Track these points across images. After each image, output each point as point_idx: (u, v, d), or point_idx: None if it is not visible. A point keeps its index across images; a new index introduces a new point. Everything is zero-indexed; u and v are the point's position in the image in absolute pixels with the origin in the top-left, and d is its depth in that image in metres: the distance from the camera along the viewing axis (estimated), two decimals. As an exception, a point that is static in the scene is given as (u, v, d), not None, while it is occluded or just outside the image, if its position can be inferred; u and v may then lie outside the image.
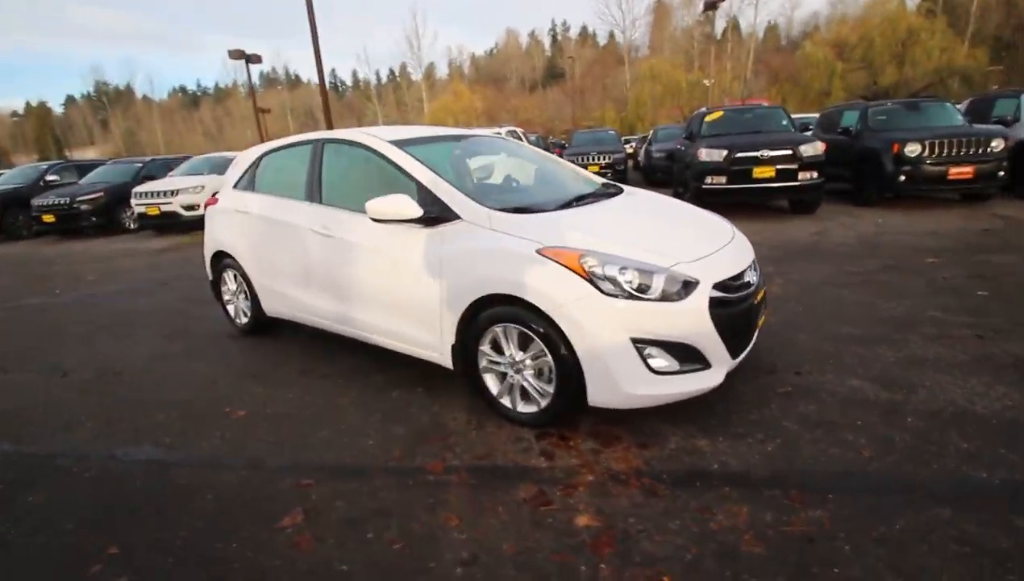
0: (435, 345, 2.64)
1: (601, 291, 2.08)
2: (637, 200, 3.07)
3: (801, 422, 2.31)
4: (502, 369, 2.43)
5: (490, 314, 2.36)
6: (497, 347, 2.42)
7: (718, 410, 2.42)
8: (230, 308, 4.03)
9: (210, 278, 4.12)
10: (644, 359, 2.09)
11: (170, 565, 1.76)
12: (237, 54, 20.41)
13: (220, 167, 10.88)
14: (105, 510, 2.07)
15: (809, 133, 8.98)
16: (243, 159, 3.84)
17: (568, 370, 2.18)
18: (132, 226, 11.00)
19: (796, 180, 7.36)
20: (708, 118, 9.06)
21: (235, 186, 3.80)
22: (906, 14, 29.68)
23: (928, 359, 2.83)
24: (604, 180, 3.45)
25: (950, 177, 7.09)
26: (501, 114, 45.57)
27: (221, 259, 3.89)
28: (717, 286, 2.20)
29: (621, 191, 3.14)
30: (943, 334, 3.13)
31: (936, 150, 7.07)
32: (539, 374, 2.32)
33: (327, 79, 15.57)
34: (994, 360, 2.76)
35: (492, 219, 2.40)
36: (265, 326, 3.84)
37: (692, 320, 2.12)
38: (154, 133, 62.84)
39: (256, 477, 2.22)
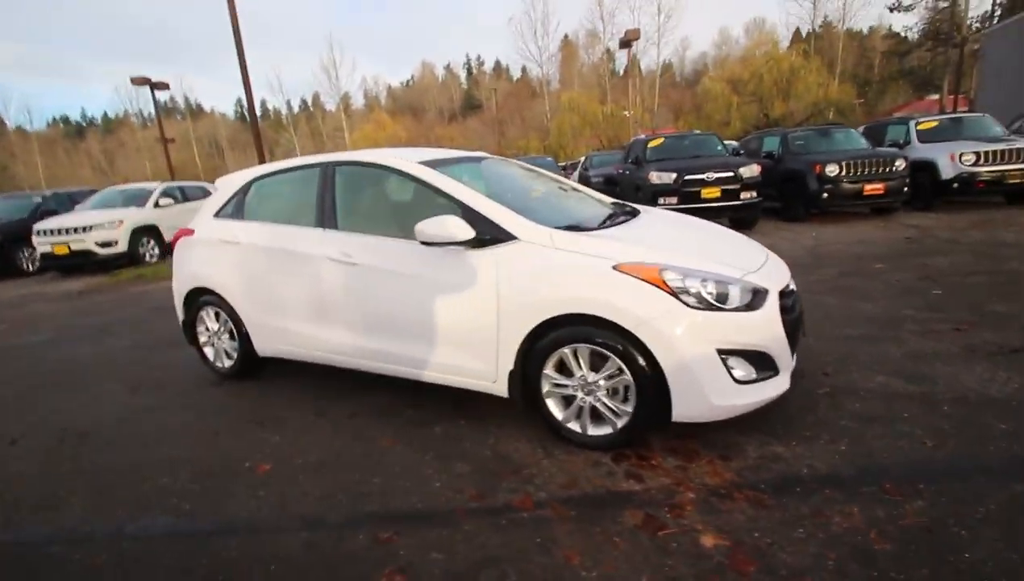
0: (487, 373, 2.50)
1: (685, 304, 2.08)
2: (663, 217, 3.14)
3: (856, 420, 2.42)
4: (569, 392, 2.34)
5: (556, 336, 2.27)
6: (562, 370, 2.33)
7: (775, 416, 2.48)
8: (208, 351, 3.58)
9: (181, 319, 3.65)
10: (728, 370, 2.10)
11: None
12: (141, 81, 18.96)
13: (137, 199, 9.95)
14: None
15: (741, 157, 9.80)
16: (226, 186, 3.49)
17: (649, 387, 2.14)
18: (31, 268, 9.62)
19: (739, 199, 8.00)
20: (651, 144, 9.63)
21: (217, 215, 3.44)
22: (788, 55, 33.80)
23: (927, 353, 3.10)
24: (612, 199, 3.52)
25: (865, 193, 8.07)
26: (426, 144, 45.63)
27: (198, 297, 3.47)
28: (780, 294, 2.28)
29: (638, 210, 3.21)
30: (927, 330, 3.46)
31: (851, 170, 8.04)
32: (613, 394, 2.26)
33: (234, 109, 14.80)
34: (981, 349, 3.08)
35: (554, 238, 2.33)
36: (252, 368, 3.46)
37: (767, 328, 2.18)
38: (33, 166, 56.00)
39: (323, 538, 1.94)
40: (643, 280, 2.12)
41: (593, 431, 2.33)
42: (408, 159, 2.79)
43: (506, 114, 54.94)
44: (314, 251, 2.90)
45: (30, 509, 2.28)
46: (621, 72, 45.24)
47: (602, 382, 2.25)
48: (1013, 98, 18.19)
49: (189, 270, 3.49)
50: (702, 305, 2.10)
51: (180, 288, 3.55)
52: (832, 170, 8.09)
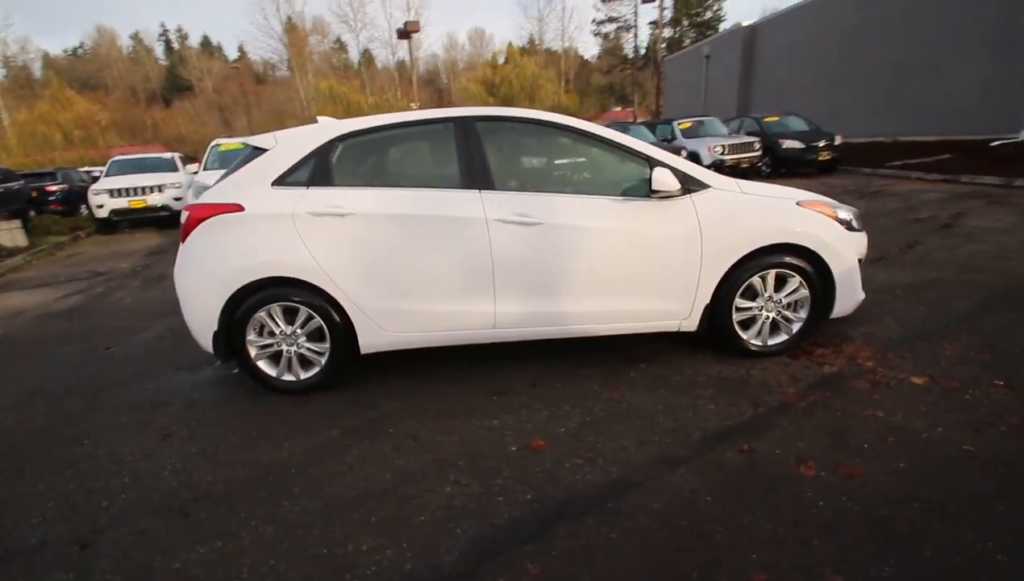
0: (679, 312, 2.77)
1: (848, 229, 2.79)
2: None
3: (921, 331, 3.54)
4: (754, 314, 2.81)
5: (750, 266, 2.72)
6: (745, 296, 2.79)
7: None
8: (263, 364, 2.75)
9: (216, 328, 2.68)
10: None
11: None
12: None
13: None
14: None
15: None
16: (288, 147, 2.70)
17: (819, 295, 2.79)
18: None
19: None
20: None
21: (279, 183, 2.66)
22: (530, 62, 38.92)
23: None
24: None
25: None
26: (144, 129, 36.80)
27: (255, 293, 2.64)
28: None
29: None
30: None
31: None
32: (789, 306, 2.84)
33: None
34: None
35: (741, 185, 2.76)
36: (337, 375, 2.82)
37: (862, 243, 3.06)
38: None
39: (697, 466, 2.00)
40: (821, 213, 2.74)
41: (772, 341, 2.87)
42: (565, 119, 2.78)
43: (228, 99, 47.97)
44: (475, 214, 2.61)
45: None
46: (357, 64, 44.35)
47: (783, 299, 2.80)
48: (689, 108, 25.10)
49: (246, 258, 2.60)
50: (849, 229, 2.84)
51: (222, 283, 2.60)
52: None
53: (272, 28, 47.95)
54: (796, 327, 2.86)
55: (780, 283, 2.79)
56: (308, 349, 2.74)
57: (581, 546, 1.67)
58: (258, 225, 2.62)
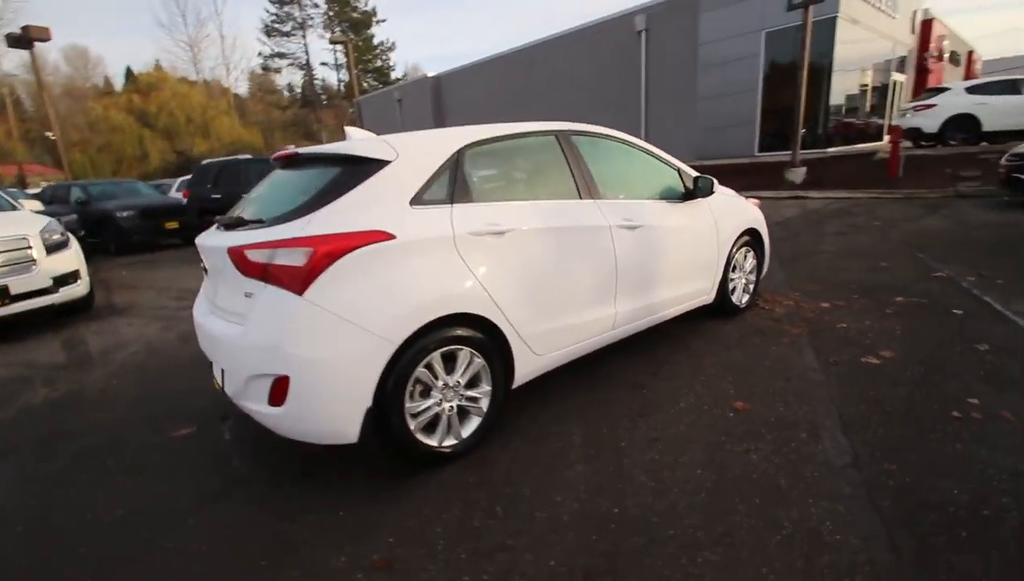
0: (708, 289, 3.55)
1: (765, 214, 4.08)
2: None
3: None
4: (735, 282, 3.80)
5: (738, 243, 3.71)
6: (735, 270, 3.77)
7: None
8: (422, 437, 2.15)
9: (369, 404, 1.96)
10: (765, 245, 4.28)
11: None
12: None
13: None
14: None
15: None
16: (416, 158, 2.18)
17: (761, 260, 4.02)
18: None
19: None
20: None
21: (417, 202, 2.16)
22: (194, 90, 33.41)
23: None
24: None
25: None
26: None
27: (424, 337, 2.07)
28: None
29: None
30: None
31: None
32: (751, 272, 3.94)
33: None
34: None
35: (721, 189, 3.68)
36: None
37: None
38: None
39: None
40: (755, 204, 3.94)
41: (744, 300, 3.92)
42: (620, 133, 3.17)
43: None
44: (601, 222, 2.74)
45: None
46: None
47: (747, 267, 3.89)
48: None
49: (412, 297, 2.01)
50: (760, 215, 4.16)
51: (382, 337, 1.94)
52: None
53: None
54: (752, 287, 4.00)
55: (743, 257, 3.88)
56: (467, 398, 2.31)
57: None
58: (415, 255, 2.09)
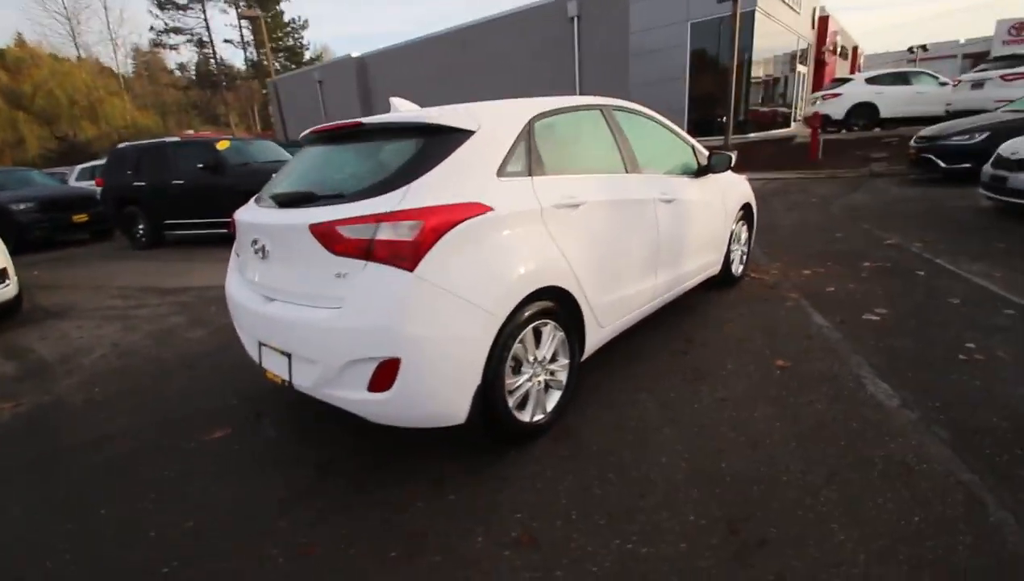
0: (717, 260, 3.76)
1: (754, 189, 4.37)
2: None
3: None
4: (734, 254, 4.05)
5: (737, 217, 3.95)
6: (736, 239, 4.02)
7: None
8: (517, 414, 2.13)
9: (479, 382, 1.90)
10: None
11: None
12: None
13: None
14: None
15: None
16: (497, 128, 2.10)
17: (752, 231, 4.31)
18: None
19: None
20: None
21: (503, 173, 2.09)
22: (77, 70, 29.25)
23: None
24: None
25: None
26: None
27: (523, 312, 2.03)
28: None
29: None
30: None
31: None
32: (745, 242, 4.21)
33: None
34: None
35: (724, 165, 3.89)
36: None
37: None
38: None
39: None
40: (745, 179, 4.20)
41: (740, 270, 4.19)
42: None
43: None
44: (648, 195, 2.81)
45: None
46: None
47: (743, 238, 4.15)
48: (304, 122, 25.26)
49: (512, 270, 1.95)
50: (748, 191, 4.45)
51: (489, 312, 1.87)
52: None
53: None
54: (745, 258, 4.29)
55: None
56: (551, 372, 2.30)
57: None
58: (510, 227, 2.03)
